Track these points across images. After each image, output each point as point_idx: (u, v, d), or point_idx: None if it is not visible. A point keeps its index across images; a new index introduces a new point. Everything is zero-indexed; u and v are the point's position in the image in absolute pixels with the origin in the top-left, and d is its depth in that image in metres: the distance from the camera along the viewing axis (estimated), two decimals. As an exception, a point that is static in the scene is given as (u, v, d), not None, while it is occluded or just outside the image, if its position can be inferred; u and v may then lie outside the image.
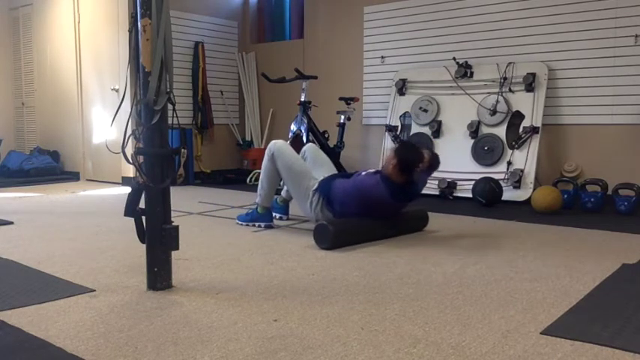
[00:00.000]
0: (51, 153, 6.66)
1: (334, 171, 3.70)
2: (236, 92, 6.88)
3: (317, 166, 3.64)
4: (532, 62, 4.83)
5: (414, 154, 3.26)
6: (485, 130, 4.95)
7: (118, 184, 6.02)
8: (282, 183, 3.78)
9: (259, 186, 3.63)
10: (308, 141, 5.16)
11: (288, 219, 3.85)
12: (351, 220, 3.21)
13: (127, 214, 2.23)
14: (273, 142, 3.62)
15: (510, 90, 4.86)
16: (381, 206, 3.22)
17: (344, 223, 3.16)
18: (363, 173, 3.35)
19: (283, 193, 3.85)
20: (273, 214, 3.80)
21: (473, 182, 4.61)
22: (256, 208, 3.62)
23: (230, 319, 1.92)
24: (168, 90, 2.18)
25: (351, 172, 3.58)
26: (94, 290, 2.25)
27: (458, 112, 5.10)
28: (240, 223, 3.67)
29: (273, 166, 3.54)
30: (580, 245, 3.11)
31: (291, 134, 5.30)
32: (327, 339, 1.74)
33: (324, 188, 3.35)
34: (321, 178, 3.47)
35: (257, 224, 3.57)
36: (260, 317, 1.93)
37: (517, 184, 4.62)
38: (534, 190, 4.41)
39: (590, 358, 1.61)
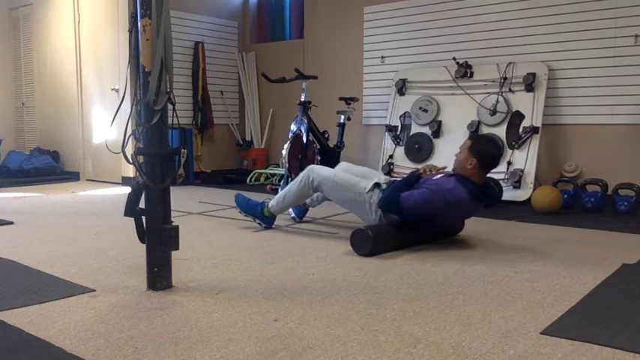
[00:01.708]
0: (51, 153, 6.66)
1: (377, 174, 3.49)
2: (236, 92, 6.88)
3: (358, 177, 3.42)
4: (532, 62, 4.83)
5: (495, 148, 3.08)
6: (485, 130, 4.94)
7: (118, 184, 6.02)
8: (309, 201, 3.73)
9: (280, 196, 3.49)
10: (308, 141, 5.15)
11: (300, 221, 3.78)
12: (389, 224, 3.05)
13: (127, 214, 2.23)
14: (309, 168, 3.43)
15: (510, 90, 4.86)
16: (460, 209, 3.00)
17: (383, 227, 3.02)
18: (433, 178, 3.03)
19: (308, 200, 3.73)
20: (290, 211, 3.78)
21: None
22: (262, 207, 3.53)
23: (230, 319, 1.92)
24: (168, 90, 2.18)
25: (410, 177, 3.17)
26: (94, 290, 2.25)
27: (458, 112, 5.10)
28: (238, 209, 3.61)
29: (307, 190, 3.38)
30: (580, 245, 3.11)
31: (291, 134, 5.29)
32: (327, 339, 1.74)
33: (389, 205, 3.01)
34: (373, 179, 3.24)
35: (257, 221, 3.56)
36: (260, 317, 1.93)
37: (517, 184, 4.62)
38: (534, 190, 4.41)
39: (590, 358, 1.61)
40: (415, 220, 3.01)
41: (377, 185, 3.19)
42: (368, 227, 2.92)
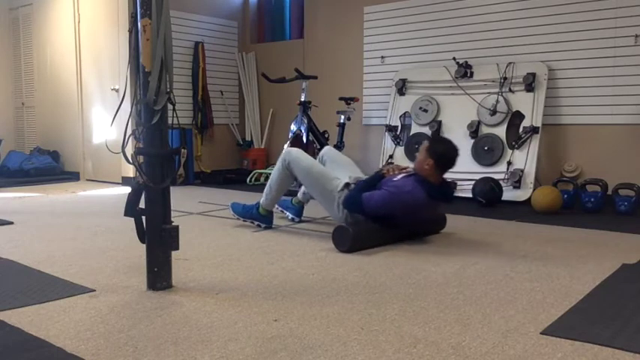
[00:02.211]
0: (51, 153, 6.66)
1: (356, 169, 3.58)
2: (236, 92, 6.88)
3: (337, 166, 3.55)
4: (532, 62, 4.83)
5: (451, 149, 3.13)
6: (485, 130, 4.94)
7: (118, 184, 6.02)
8: (296, 185, 3.74)
9: (267, 189, 3.53)
10: (308, 141, 5.16)
11: (300, 221, 3.77)
12: (370, 222, 3.10)
13: (126, 214, 2.23)
14: (287, 150, 3.51)
15: (510, 90, 4.86)
16: (418, 209, 3.08)
17: (363, 224, 3.08)
18: (395, 179, 3.15)
19: (299, 194, 3.78)
20: (287, 214, 3.80)
21: (473, 182, 4.61)
22: (257, 207, 3.56)
23: (230, 319, 1.92)
24: (168, 90, 2.18)
25: (373, 176, 3.29)
26: (94, 290, 2.25)
27: (458, 112, 5.10)
28: (233, 214, 3.62)
29: (287, 173, 3.44)
30: (580, 245, 3.11)
31: (291, 134, 5.30)
32: (327, 339, 1.74)
33: (352, 206, 3.15)
34: (345, 178, 3.33)
35: (256, 223, 3.56)
36: (260, 317, 1.93)
37: (517, 184, 4.62)
38: (534, 190, 4.41)
39: (590, 358, 1.61)
40: (378, 220, 3.09)
41: (347, 185, 3.28)
42: (349, 224, 2.99)
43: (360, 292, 2.22)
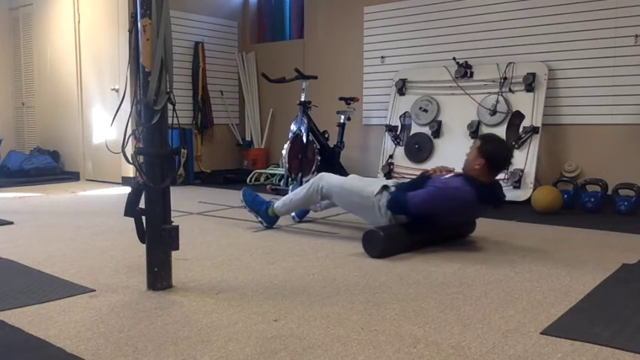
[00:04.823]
0: (51, 153, 6.66)
1: (385, 181, 3.41)
2: (236, 92, 6.88)
3: (367, 180, 3.42)
4: (532, 62, 4.83)
5: (504, 149, 3.06)
6: (485, 130, 4.94)
7: (118, 184, 6.02)
8: (319, 207, 3.73)
9: (288, 200, 3.47)
10: (308, 141, 5.15)
11: (300, 221, 3.77)
12: (400, 226, 3.00)
13: (126, 214, 2.23)
14: (319, 176, 3.40)
15: (510, 90, 4.86)
16: (464, 208, 2.97)
17: (394, 228, 2.98)
18: (442, 178, 3.03)
19: (316, 206, 3.71)
20: (292, 213, 3.76)
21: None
22: (267, 207, 3.53)
23: (230, 319, 1.92)
24: (168, 90, 2.18)
25: (418, 177, 3.20)
26: (94, 290, 2.25)
27: (458, 112, 5.10)
28: (243, 203, 3.61)
29: (317, 198, 3.36)
30: (580, 245, 3.11)
31: (291, 134, 5.29)
32: (327, 339, 1.74)
33: (396, 205, 3.01)
34: (379, 184, 3.18)
35: (259, 219, 3.56)
36: (260, 317, 1.93)
37: (517, 184, 4.62)
38: (534, 190, 4.41)
39: (590, 358, 1.61)
40: (422, 220, 2.97)
41: (385, 188, 3.14)
42: (379, 228, 2.87)
43: (360, 292, 2.22)
